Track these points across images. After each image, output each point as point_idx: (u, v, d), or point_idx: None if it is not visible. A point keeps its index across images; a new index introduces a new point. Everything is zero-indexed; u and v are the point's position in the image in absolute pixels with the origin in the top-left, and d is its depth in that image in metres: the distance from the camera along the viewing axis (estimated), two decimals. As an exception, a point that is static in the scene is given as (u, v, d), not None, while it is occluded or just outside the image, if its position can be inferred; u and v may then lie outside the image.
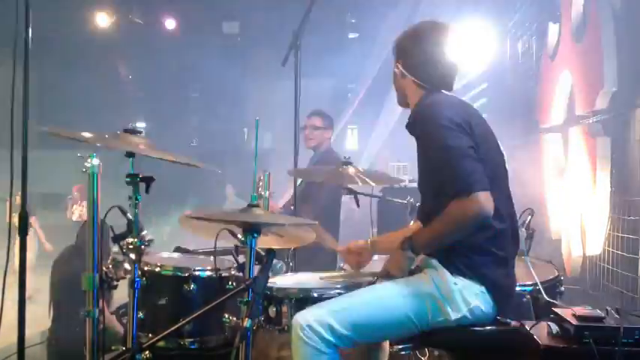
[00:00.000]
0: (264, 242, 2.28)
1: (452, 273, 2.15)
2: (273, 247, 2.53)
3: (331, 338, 2.09)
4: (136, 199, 2.19)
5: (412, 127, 2.29)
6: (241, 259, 2.28)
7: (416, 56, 2.32)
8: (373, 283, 2.47)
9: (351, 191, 3.17)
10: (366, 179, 3.08)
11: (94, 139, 2.18)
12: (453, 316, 2.14)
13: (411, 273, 2.28)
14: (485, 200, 2.05)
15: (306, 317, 2.12)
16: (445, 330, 2.18)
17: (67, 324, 4.17)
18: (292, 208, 4.21)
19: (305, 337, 2.09)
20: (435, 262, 2.20)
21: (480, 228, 2.11)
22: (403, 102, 2.42)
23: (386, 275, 2.32)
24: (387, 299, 2.17)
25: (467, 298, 2.13)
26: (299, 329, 2.10)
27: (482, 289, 2.15)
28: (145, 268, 2.70)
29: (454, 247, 2.17)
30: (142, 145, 2.22)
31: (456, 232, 2.12)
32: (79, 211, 9.42)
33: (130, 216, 2.17)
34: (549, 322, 2.10)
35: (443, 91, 2.31)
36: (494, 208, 2.11)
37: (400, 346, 2.62)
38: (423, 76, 2.31)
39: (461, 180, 2.06)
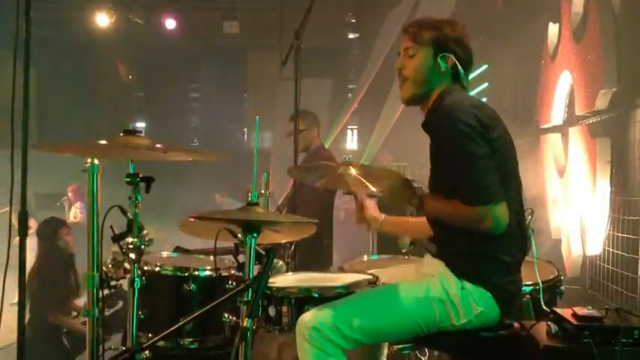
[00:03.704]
0: (260, 237, 2.27)
1: (459, 278, 2.15)
2: (270, 242, 2.53)
3: (337, 340, 2.08)
4: (136, 198, 2.19)
5: (428, 126, 2.27)
6: (241, 258, 2.28)
7: (452, 52, 2.27)
8: (374, 283, 2.47)
9: (351, 191, 3.16)
10: (366, 183, 3.07)
11: (87, 150, 2.18)
12: (460, 321, 2.14)
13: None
14: (501, 212, 2.06)
15: (312, 319, 2.11)
16: (447, 332, 2.17)
17: (38, 329, 4.24)
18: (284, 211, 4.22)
19: (311, 339, 2.07)
20: (443, 266, 2.20)
21: (488, 234, 2.11)
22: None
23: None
24: (395, 303, 2.16)
25: (474, 303, 2.13)
26: (305, 330, 2.09)
27: (489, 295, 2.14)
28: (145, 268, 2.71)
29: (461, 252, 2.17)
30: (142, 147, 2.22)
31: (465, 230, 2.13)
32: (73, 213, 9.42)
33: (130, 216, 2.17)
34: (549, 322, 2.10)
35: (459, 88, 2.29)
36: None
37: (400, 346, 2.62)
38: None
39: (479, 191, 2.06)
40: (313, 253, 4.03)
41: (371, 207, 2.65)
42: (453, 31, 2.27)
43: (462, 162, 2.10)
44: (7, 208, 2.49)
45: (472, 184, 2.08)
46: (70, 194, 9.47)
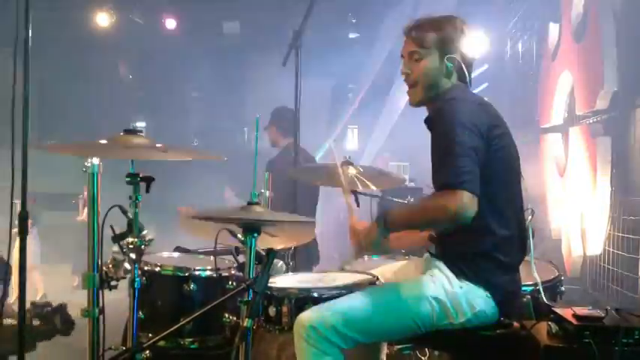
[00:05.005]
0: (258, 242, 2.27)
1: (457, 277, 2.15)
2: (270, 247, 2.53)
3: (335, 339, 2.08)
4: (136, 198, 2.19)
5: (430, 121, 2.27)
6: (241, 258, 2.28)
7: (456, 51, 2.28)
8: (374, 283, 2.47)
9: (353, 190, 3.16)
10: (367, 182, 3.07)
11: (87, 150, 2.18)
12: (458, 319, 2.14)
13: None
14: (468, 201, 1.98)
15: (309, 318, 2.11)
16: (446, 331, 2.17)
17: None
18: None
19: (308, 338, 2.08)
20: (441, 265, 2.20)
21: (487, 234, 2.11)
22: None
23: (355, 245, 2.27)
24: (392, 302, 2.16)
25: (472, 302, 2.13)
26: (302, 330, 2.09)
27: (487, 293, 2.14)
28: (145, 268, 2.71)
29: (460, 252, 2.17)
30: (143, 147, 2.22)
31: (431, 222, 2.12)
32: (85, 213, 9.48)
33: (130, 215, 2.17)
34: (550, 322, 2.10)
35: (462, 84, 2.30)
36: (501, 215, 2.13)
37: (400, 346, 2.62)
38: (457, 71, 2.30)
39: (452, 174, 2.02)
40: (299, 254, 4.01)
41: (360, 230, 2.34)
42: (454, 28, 2.29)
43: (446, 148, 2.07)
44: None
45: (446, 167, 2.05)
46: (85, 194, 9.49)
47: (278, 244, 2.67)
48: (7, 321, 4.23)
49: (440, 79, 2.28)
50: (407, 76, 2.33)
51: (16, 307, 4.41)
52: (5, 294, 4.59)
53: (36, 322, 3.99)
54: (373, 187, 3.14)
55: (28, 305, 4.35)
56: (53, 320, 3.76)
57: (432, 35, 2.27)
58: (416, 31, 2.30)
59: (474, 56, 2.34)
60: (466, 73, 2.29)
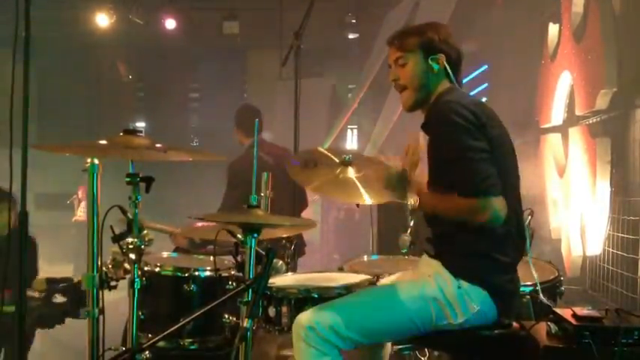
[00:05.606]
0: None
1: (456, 277, 2.15)
2: (268, 237, 2.55)
3: (334, 340, 2.08)
4: (136, 199, 2.19)
5: (427, 125, 2.27)
6: (241, 258, 2.28)
7: (440, 51, 2.30)
8: (373, 283, 2.47)
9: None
10: (362, 190, 3.04)
11: (87, 150, 2.19)
12: (457, 320, 2.14)
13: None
14: (499, 206, 2.06)
15: (308, 318, 2.11)
16: (446, 331, 2.18)
17: None
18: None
19: (307, 339, 2.08)
20: (439, 266, 2.20)
21: (485, 233, 2.12)
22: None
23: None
24: (391, 302, 2.16)
25: (470, 302, 2.13)
26: (301, 330, 2.10)
27: (486, 293, 2.15)
28: (145, 268, 2.71)
29: (458, 252, 2.17)
30: (142, 147, 2.22)
31: (462, 223, 2.13)
32: (79, 212, 9.49)
33: (130, 216, 2.17)
34: (549, 322, 2.10)
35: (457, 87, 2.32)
36: None
37: (400, 347, 2.62)
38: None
39: (477, 182, 2.07)
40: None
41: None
42: (437, 32, 2.31)
43: (458, 154, 2.11)
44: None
45: (469, 175, 2.09)
46: (79, 193, 9.52)
47: (276, 234, 2.70)
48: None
49: (428, 80, 2.31)
50: (395, 82, 2.36)
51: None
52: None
53: (59, 300, 3.88)
54: (368, 199, 3.12)
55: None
56: (79, 291, 3.64)
57: (414, 39, 2.31)
58: (398, 39, 2.34)
59: (461, 57, 2.34)
60: (451, 74, 2.30)
